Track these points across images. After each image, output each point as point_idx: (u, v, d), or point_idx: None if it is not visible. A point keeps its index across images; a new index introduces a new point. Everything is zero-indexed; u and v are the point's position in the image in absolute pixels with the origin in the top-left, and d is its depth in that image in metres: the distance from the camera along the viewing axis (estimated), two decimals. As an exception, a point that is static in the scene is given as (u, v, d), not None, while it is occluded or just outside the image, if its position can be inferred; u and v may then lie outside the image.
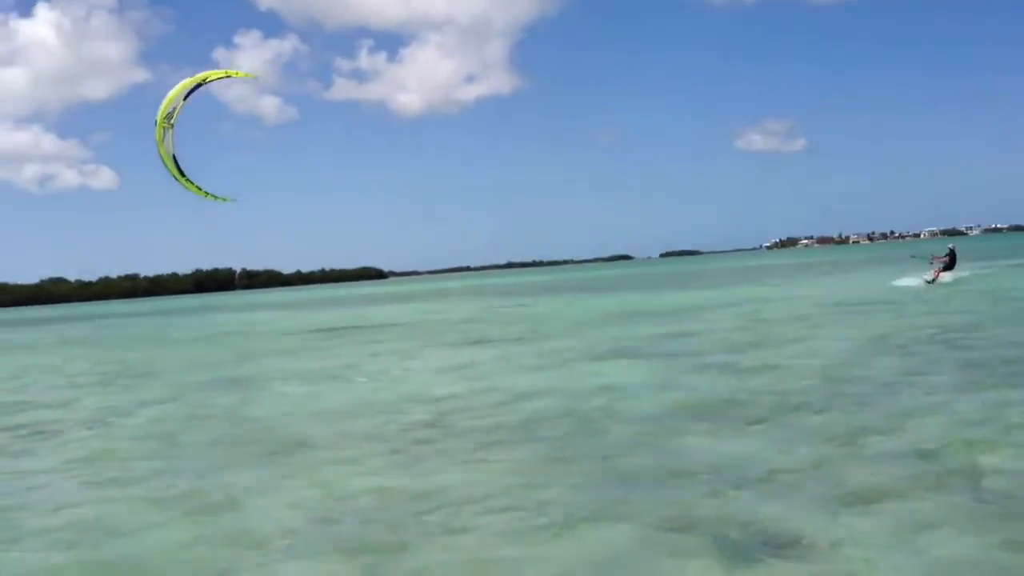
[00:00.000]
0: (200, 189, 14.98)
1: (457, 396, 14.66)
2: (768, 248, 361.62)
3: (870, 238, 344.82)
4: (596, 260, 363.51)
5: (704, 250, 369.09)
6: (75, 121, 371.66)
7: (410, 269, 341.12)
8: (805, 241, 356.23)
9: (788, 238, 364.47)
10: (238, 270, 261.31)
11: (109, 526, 8.24)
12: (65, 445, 12.74)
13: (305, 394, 16.58)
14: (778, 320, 25.12)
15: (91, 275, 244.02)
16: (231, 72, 15.79)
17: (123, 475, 10.37)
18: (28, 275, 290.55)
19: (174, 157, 14.98)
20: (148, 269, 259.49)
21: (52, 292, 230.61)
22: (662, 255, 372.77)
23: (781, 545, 6.46)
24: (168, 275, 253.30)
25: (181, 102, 14.85)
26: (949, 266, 35.56)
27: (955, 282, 34.66)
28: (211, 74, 15.16)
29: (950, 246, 36.73)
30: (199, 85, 14.93)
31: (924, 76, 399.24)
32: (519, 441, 10.81)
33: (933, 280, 34.59)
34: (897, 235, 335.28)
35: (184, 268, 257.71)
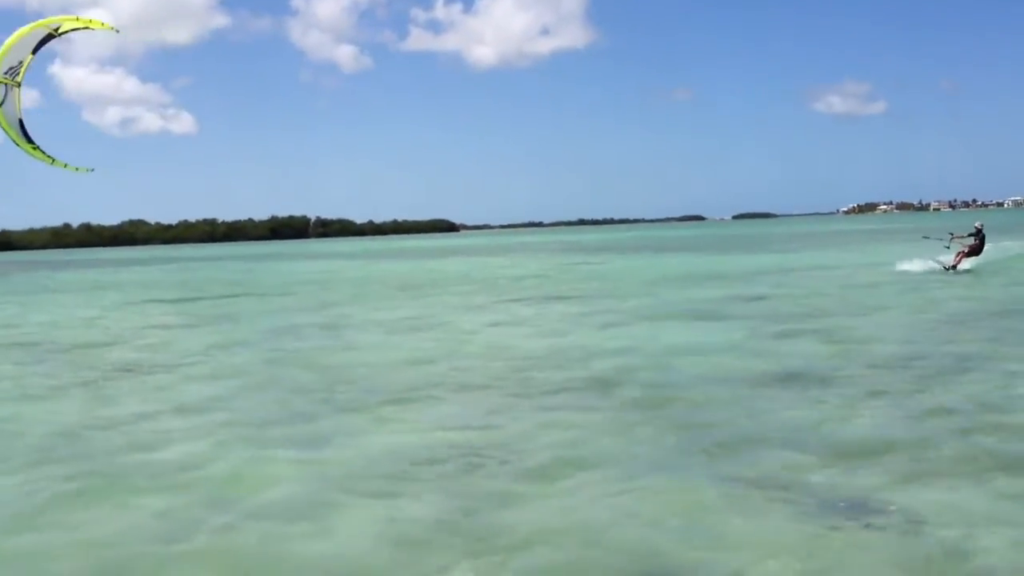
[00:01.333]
0: (52, 158, 13.00)
1: (534, 351, 14.85)
2: (845, 213, 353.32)
3: (951, 205, 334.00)
4: (668, 219, 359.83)
5: (778, 213, 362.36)
6: (156, 65, 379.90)
7: (481, 223, 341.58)
8: (884, 207, 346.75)
9: (866, 203, 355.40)
10: (312, 218, 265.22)
11: (206, 466, 8.59)
12: (155, 386, 13.20)
13: (384, 343, 16.96)
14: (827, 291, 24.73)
15: (171, 218, 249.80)
16: (91, 22, 13.53)
17: (214, 416, 10.78)
18: (111, 216, 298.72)
19: (20, 122, 12.61)
20: (225, 214, 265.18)
21: (133, 234, 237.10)
22: (735, 217, 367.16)
23: (866, 512, 6.52)
24: (245, 220, 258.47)
25: (29, 56, 12.48)
26: (976, 250, 27.90)
27: (979, 269, 27.54)
28: (63, 21, 12.98)
29: (978, 224, 28.48)
30: (51, 36, 12.73)
31: (1011, 40, 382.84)
32: (596, 397, 10.96)
33: (953, 267, 27.42)
34: (980, 203, 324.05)
35: (260, 214, 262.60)
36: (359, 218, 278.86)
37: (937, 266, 27.61)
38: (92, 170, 13.77)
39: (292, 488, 7.73)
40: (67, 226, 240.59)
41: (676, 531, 6.36)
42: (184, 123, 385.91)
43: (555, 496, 7.23)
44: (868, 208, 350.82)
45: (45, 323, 24.26)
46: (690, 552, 5.97)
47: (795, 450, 8.20)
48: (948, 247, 28.25)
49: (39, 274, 65.25)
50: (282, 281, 43.16)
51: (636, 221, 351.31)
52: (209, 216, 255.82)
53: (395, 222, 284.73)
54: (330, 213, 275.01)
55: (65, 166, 13.23)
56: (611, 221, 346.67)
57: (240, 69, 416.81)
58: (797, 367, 12.41)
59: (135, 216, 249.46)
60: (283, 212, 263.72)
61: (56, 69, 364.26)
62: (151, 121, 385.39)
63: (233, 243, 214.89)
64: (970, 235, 28.02)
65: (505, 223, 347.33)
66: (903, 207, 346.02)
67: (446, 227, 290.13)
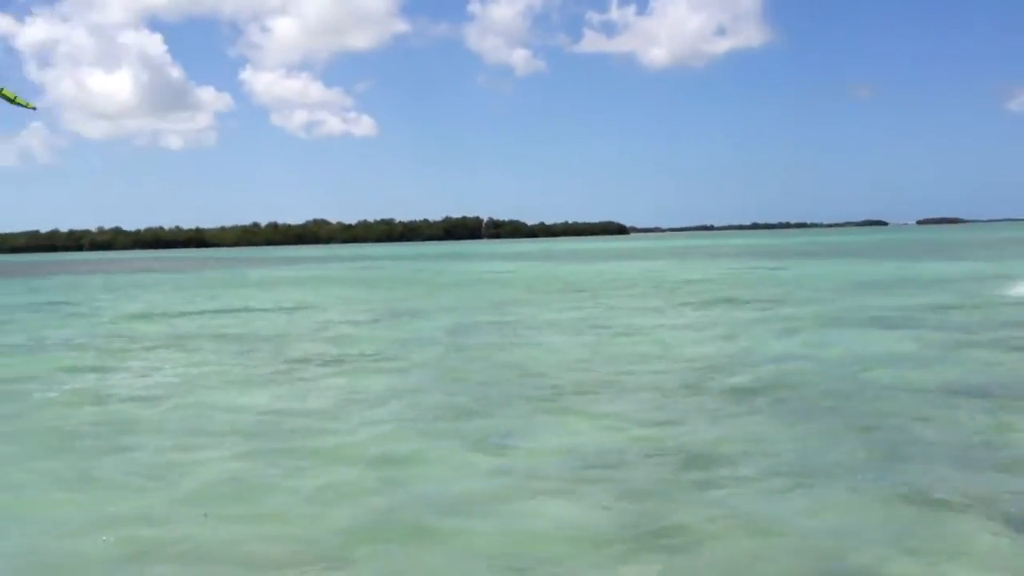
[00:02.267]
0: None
1: (708, 354, 14.86)
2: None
3: None
4: (847, 224, 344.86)
5: (967, 218, 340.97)
6: (340, 70, 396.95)
7: (652, 225, 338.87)
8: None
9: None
10: (485, 219, 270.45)
11: (395, 455, 9.13)
12: (345, 378, 14.04)
13: (560, 343, 17.34)
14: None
15: (351, 218, 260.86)
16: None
17: (400, 409, 11.41)
18: (296, 216, 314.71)
19: None
20: (402, 215, 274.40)
21: (316, 232, 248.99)
22: (919, 222, 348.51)
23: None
24: (420, 221, 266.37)
25: None
26: None
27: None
28: None
29: None
30: None
31: None
32: (774, 403, 10.90)
33: None
34: None
35: (435, 215, 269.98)
36: (530, 220, 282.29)
37: None
38: (35, 108, 16.43)
39: (475, 481, 8.11)
40: (255, 224, 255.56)
41: (854, 536, 6.35)
42: (365, 126, 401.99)
43: (732, 498, 7.32)
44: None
45: (239, 318, 26.10)
46: (867, 558, 5.97)
47: (976, 462, 7.98)
48: None
49: (233, 271, 69.74)
50: (458, 280, 44.49)
51: (813, 225, 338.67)
52: (387, 216, 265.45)
53: (565, 224, 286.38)
54: (502, 214, 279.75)
55: (14, 99, 15.32)
56: (787, 225, 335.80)
57: (418, 73, 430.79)
58: (980, 380, 11.94)
59: (318, 216, 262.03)
60: (457, 213, 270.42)
61: (247, 75, 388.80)
62: (334, 124, 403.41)
63: (409, 243, 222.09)
64: None
65: (676, 226, 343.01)
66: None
67: (616, 229, 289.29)
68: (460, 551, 6.44)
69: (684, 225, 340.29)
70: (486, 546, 6.51)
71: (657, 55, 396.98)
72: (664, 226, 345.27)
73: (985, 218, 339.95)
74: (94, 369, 15.57)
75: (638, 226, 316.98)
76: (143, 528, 7.06)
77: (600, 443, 9.30)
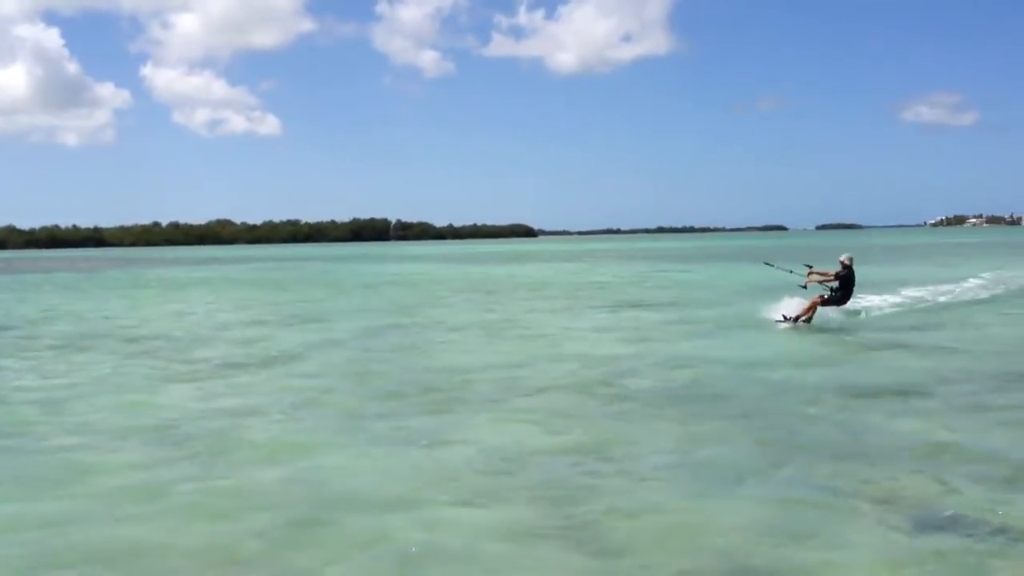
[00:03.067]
0: None
1: (617, 356, 15.03)
2: (932, 225, 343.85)
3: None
4: (749, 229, 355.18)
5: (864, 224, 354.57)
6: (243, 68, 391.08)
7: (560, 229, 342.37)
8: (973, 220, 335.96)
9: (955, 216, 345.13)
10: (393, 221, 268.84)
11: (303, 456, 9.02)
12: (250, 381, 13.72)
13: (469, 345, 17.33)
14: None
15: (256, 218, 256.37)
16: None
17: (309, 411, 11.23)
18: (198, 215, 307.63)
19: None
20: (309, 215, 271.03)
21: (220, 233, 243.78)
22: (818, 227, 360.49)
23: (965, 526, 6.60)
24: (327, 222, 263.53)
25: None
26: (840, 295, 19.22)
27: (845, 327, 18.74)
28: None
29: (844, 258, 19.33)
30: None
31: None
32: (684, 404, 11.09)
33: (797, 319, 18.63)
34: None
35: (342, 216, 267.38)
36: (439, 221, 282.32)
37: (780, 318, 18.89)
38: None
39: (384, 480, 8.04)
40: (156, 224, 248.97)
41: (766, 538, 6.48)
42: (269, 125, 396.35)
43: (636, 496, 7.41)
44: (956, 221, 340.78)
45: (141, 318, 25.29)
46: (780, 560, 6.10)
47: (887, 461, 8.26)
48: (804, 287, 19.46)
49: (132, 271, 67.68)
50: (366, 282, 44.05)
51: (716, 230, 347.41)
52: (293, 217, 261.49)
53: (474, 226, 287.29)
54: (410, 216, 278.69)
55: None
56: (691, 229, 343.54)
57: (325, 73, 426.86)
58: (885, 380, 12.41)
59: (222, 216, 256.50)
60: (364, 214, 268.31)
61: (147, 71, 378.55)
62: (238, 123, 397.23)
63: (315, 244, 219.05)
64: (836, 275, 19.17)
65: (584, 229, 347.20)
66: (993, 220, 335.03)
67: (524, 232, 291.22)
68: (371, 550, 6.37)
69: (592, 228, 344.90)
70: (398, 544, 6.45)
71: (564, 60, 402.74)
72: (572, 229, 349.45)
73: (880, 224, 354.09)
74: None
75: (546, 229, 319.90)
76: (49, 531, 6.81)
77: (509, 443, 9.30)
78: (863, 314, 20.55)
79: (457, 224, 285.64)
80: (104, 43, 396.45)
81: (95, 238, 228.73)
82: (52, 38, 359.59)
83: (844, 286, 19.06)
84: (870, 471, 7.97)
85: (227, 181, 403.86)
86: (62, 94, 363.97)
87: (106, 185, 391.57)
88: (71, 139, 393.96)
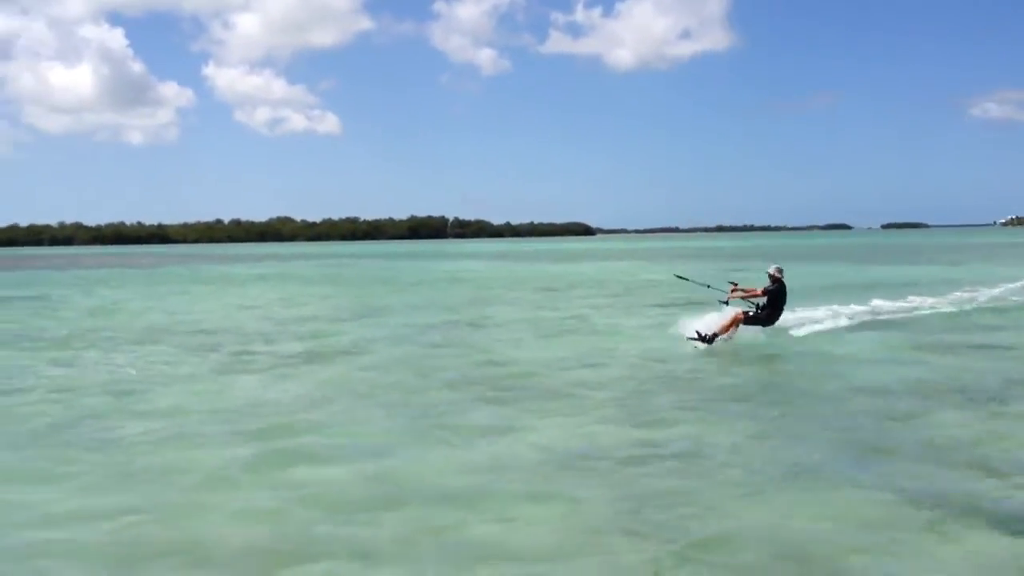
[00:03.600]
0: None
1: (678, 354, 14.98)
2: (1003, 224, 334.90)
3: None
4: (811, 228, 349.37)
5: (930, 223, 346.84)
6: (303, 67, 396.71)
7: (618, 227, 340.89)
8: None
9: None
10: (450, 219, 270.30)
11: (373, 450, 9.17)
12: (315, 374, 13.96)
13: (527, 341, 17.36)
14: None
15: (315, 216, 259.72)
16: None
17: (377, 406, 11.38)
18: (259, 213, 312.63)
19: None
20: (367, 213, 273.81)
21: (280, 230, 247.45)
22: (884, 226, 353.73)
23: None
24: (385, 220, 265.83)
25: None
26: (766, 312, 16.60)
27: (773, 353, 15.45)
28: None
29: (773, 269, 16.91)
30: None
31: None
32: (748, 400, 11.07)
33: (714, 337, 15.62)
34: None
35: (400, 214, 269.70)
36: (496, 219, 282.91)
37: (692, 335, 15.80)
38: None
39: (455, 475, 8.14)
40: (219, 221, 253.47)
41: (836, 537, 6.45)
42: (329, 124, 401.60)
43: (714, 495, 7.39)
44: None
45: (205, 313, 25.87)
46: (854, 557, 6.07)
47: (960, 463, 8.15)
48: (726, 303, 16.71)
49: (195, 267, 69.10)
50: (424, 279, 44.43)
51: (778, 229, 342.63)
52: (351, 215, 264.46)
53: (531, 224, 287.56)
54: (468, 214, 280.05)
55: None
56: (751, 228, 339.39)
57: (382, 72, 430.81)
58: (952, 381, 12.21)
59: (282, 213, 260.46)
60: (422, 212, 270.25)
61: (210, 70, 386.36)
62: (297, 122, 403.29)
63: (373, 241, 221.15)
64: (764, 290, 16.61)
65: (642, 228, 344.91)
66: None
67: (582, 230, 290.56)
68: (440, 541, 6.47)
69: (650, 227, 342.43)
70: (466, 536, 6.55)
71: (622, 57, 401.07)
72: (630, 228, 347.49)
73: (948, 223, 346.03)
74: (66, 364, 15.36)
75: (604, 227, 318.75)
76: (126, 519, 7.02)
77: (573, 437, 9.38)
78: (798, 331, 17.31)
79: (514, 222, 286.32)
80: (167, 43, 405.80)
81: (159, 235, 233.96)
82: (117, 38, 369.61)
83: (773, 302, 16.41)
84: (948, 473, 7.88)
85: (287, 179, 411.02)
86: (127, 93, 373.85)
87: (169, 183, 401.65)
88: (136, 137, 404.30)
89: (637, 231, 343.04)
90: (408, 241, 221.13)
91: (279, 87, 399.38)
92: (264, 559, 6.24)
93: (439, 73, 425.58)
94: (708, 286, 17.86)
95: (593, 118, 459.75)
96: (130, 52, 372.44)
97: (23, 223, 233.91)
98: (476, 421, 10.31)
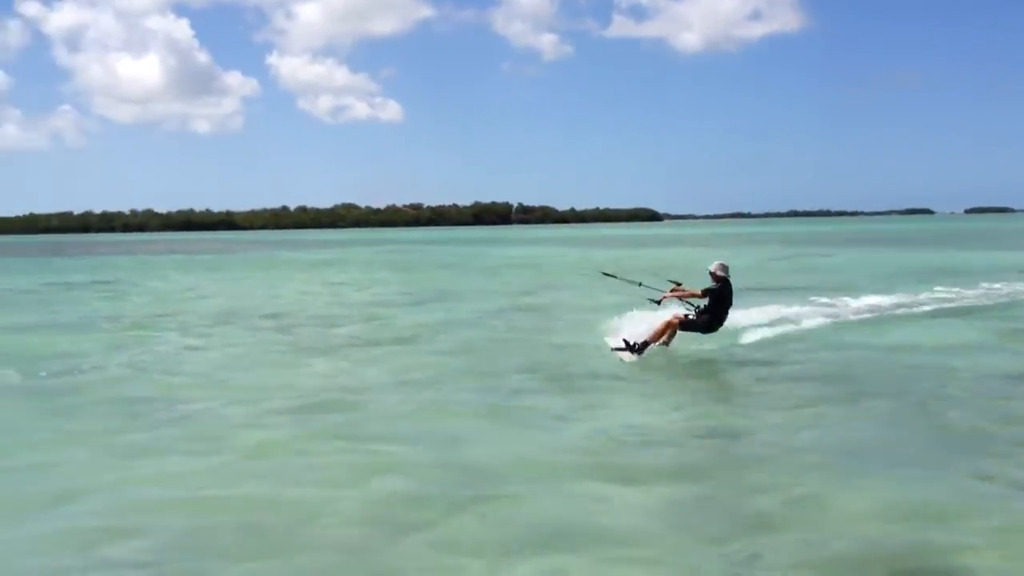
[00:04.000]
0: None
1: (751, 341, 14.99)
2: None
3: None
4: (890, 212, 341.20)
5: (1017, 208, 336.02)
6: (365, 55, 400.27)
7: (686, 213, 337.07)
8: None
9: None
10: (514, 204, 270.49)
11: (441, 430, 9.42)
12: (384, 358, 14.25)
13: (592, 326, 17.43)
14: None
15: (379, 202, 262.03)
16: None
17: (445, 388, 11.66)
18: (323, 200, 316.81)
19: None
20: (430, 199, 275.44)
21: (344, 216, 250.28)
22: (968, 211, 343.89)
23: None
24: (449, 206, 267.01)
25: None
26: (708, 317, 13.83)
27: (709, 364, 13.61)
28: None
29: (715, 267, 13.89)
30: None
31: None
32: (821, 385, 11.09)
33: (644, 347, 13.54)
34: None
35: (464, 200, 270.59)
36: (560, 205, 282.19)
37: (619, 345, 13.70)
38: None
39: (525, 456, 8.32)
40: (284, 208, 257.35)
41: (909, 522, 6.49)
42: (391, 111, 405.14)
43: (785, 478, 7.47)
44: None
45: (275, 296, 26.55)
46: (924, 546, 6.13)
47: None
48: (658, 303, 14.25)
49: (263, 252, 70.46)
50: (488, 264, 44.75)
51: (854, 214, 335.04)
52: (415, 201, 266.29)
53: (597, 210, 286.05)
54: (531, 200, 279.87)
55: None
56: (826, 213, 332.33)
57: (444, 58, 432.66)
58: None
59: (346, 200, 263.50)
60: (486, 198, 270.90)
61: (273, 60, 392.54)
62: (360, 109, 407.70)
63: (437, 228, 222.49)
64: (704, 291, 13.75)
65: (710, 213, 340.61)
66: None
67: (649, 216, 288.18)
68: (510, 522, 6.62)
69: (719, 212, 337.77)
70: (538, 518, 6.69)
71: (689, 40, 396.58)
72: (698, 213, 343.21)
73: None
74: (141, 345, 16.00)
75: (671, 213, 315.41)
76: (206, 494, 7.38)
77: (643, 421, 9.54)
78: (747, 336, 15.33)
79: (579, 208, 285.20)
80: (231, 33, 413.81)
81: (227, 221, 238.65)
82: (182, 29, 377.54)
83: (714, 305, 13.69)
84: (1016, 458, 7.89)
85: (350, 166, 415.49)
86: (193, 83, 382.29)
87: (236, 170, 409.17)
88: (203, 126, 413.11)
89: (706, 216, 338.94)
90: (472, 227, 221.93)
91: (341, 75, 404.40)
92: (332, 535, 6.50)
93: (500, 59, 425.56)
94: (640, 284, 15.19)
95: (659, 102, 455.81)
96: (195, 43, 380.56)
97: (96, 210, 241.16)
98: (545, 403, 10.50)
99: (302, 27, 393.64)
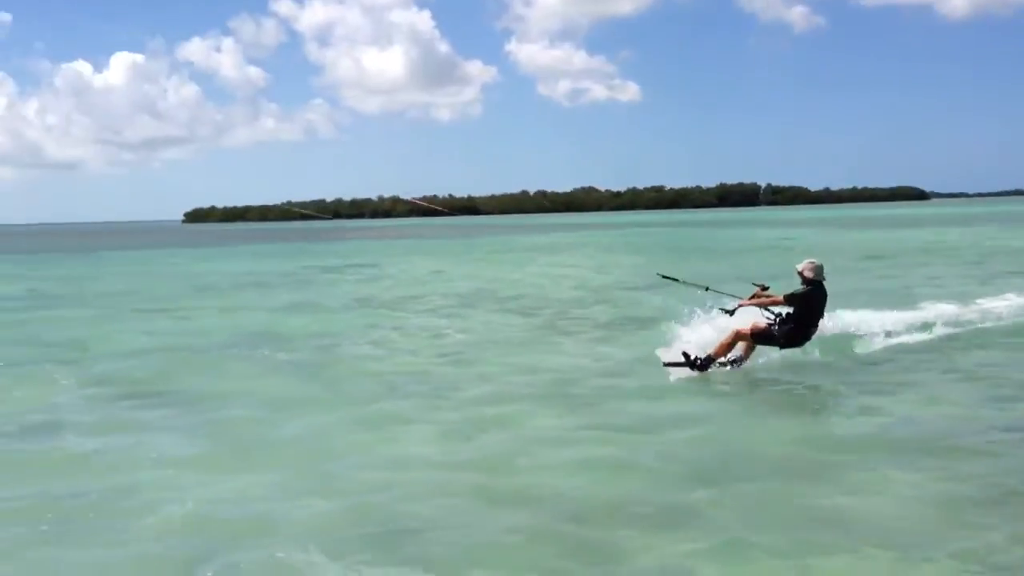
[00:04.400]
0: None
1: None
2: None
3: None
4: None
5: None
6: (602, 38, 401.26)
7: (956, 191, 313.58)
8: None
9: None
10: (762, 185, 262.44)
11: (696, 416, 9.26)
12: (631, 341, 14.14)
13: (869, 313, 16.41)
14: None
15: (619, 185, 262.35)
16: None
17: (700, 375, 11.32)
18: (563, 184, 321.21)
19: None
20: (672, 181, 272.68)
21: (584, 200, 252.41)
22: None
23: None
24: (692, 187, 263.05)
25: None
26: (792, 326, 11.45)
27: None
28: None
29: (803, 266, 11.71)
30: None
31: None
32: None
33: (708, 363, 11.42)
34: None
35: (707, 182, 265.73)
36: (813, 185, 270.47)
37: (676, 359, 11.45)
38: None
39: (799, 449, 7.95)
40: (524, 193, 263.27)
41: None
42: (629, 92, 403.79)
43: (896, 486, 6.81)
44: None
45: (517, 280, 27.22)
46: None
47: None
48: (731, 313, 11.85)
49: (504, 237, 72.31)
50: (737, 248, 43.69)
51: None
52: (656, 183, 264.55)
53: (854, 189, 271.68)
54: (781, 180, 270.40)
55: None
56: None
57: (685, 36, 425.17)
58: None
59: (586, 183, 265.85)
60: (731, 179, 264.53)
61: (512, 46, 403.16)
62: (598, 92, 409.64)
63: (680, 210, 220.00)
64: (788, 297, 11.55)
65: (986, 191, 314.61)
66: None
67: (914, 195, 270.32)
68: (786, 511, 6.27)
69: (998, 189, 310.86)
70: (814, 507, 6.30)
71: (956, 5, 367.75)
72: (971, 191, 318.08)
73: None
74: (392, 324, 16.77)
75: (940, 191, 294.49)
76: (450, 460, 7.74)
77: (940, 414, 8.91)
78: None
79: (834, 187, 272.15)
80: (471, 22, 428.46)
81: (468, 207, 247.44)
82: (424, 21, 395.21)
83: (799, 313, 11.44)
84: None
85: (589, 149, 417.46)
86: (435, 73, 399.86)
87: (476, 157, 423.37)
88: (444, 115, 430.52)
89: (981, 194, 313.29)
90: (717, 209, 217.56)
91: (579, 59, 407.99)
92: (598, 519, 6.38)
93: (745, 35, 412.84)
94: (707, 289, 12.55)
95: (923, 73, 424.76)
96: (437, 33, 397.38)
97: (346, 198, 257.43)
98: (814, 392, 9.97)
99: (540, 12, 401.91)
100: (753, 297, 11.82)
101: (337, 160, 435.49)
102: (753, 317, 11.67)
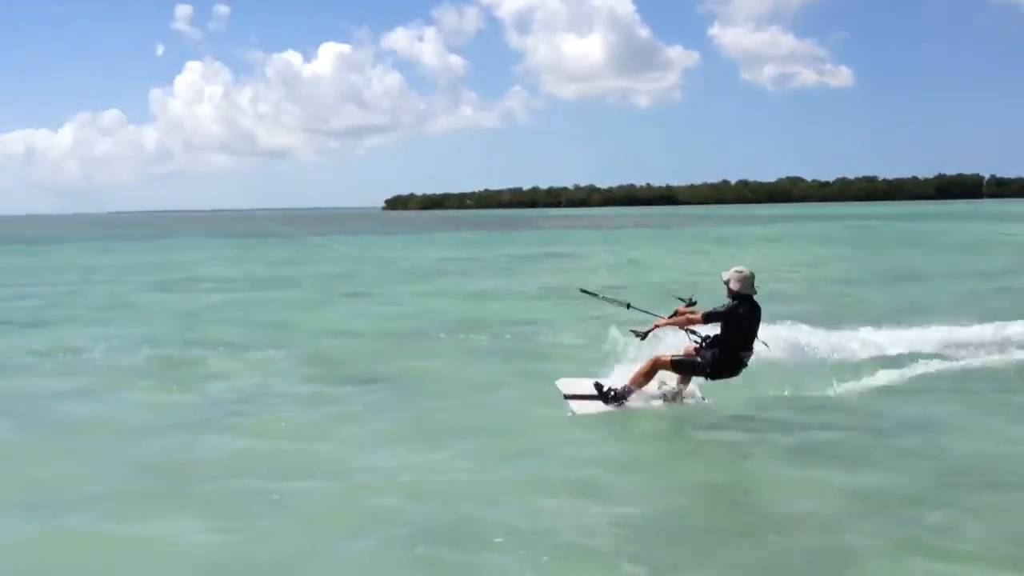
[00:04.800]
0: None
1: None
2: None
3: None
4: None
5: None
6: (812, 20, 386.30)
7: None
8: None
9: None
10: (986, 176, 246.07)
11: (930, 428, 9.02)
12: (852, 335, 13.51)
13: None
14: None
15: (827, 175, 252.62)
16: None
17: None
18: (766, 173, 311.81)
19: None
20: (885, 172, 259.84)
21: (789, 191, 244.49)
22: None
23: None
24: (908, 179, 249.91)
25: None
26: (712, 355, 9.25)
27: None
28: None
29: (730, 275, 9.33)
30: None
31: None
32: None
33: (624, 395, 9.46)
34: None
35: (925, 172, 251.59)
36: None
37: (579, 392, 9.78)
38: None
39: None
40: (725, 182, 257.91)
41: None
42: (841, 77, 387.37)
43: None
44: None
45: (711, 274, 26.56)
46: None
47: None
48: (642, 337, 9.70)
49: (707, 227, 71.31)
50: (959, 242, 41.43)
51: None
52: (868, 174, 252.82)
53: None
54: (1008, 172, 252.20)
55: None
56: None
57: (902, 17, 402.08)
58: None
59: (791, 173, 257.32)
60: (951, 170, 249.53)
61: (715, 31, 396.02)
62: (807, 76, 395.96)
63: (893, 202, 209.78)
64: (706, 315, 9.31)
65: None
66: None
67: None
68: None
69: None
70: None
71: None
72: None
73: None
74: (592, 313, 16.92)
75: None
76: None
77: None
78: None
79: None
80: (672, 7, 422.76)
81: (667, 196, 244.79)
82: (624, 6, 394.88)
83: (729, 333, 9.28)
84: None
85: (796, 137, 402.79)
86: (634, 58, 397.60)
87: (675, 144, 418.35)
88: (643, 101, 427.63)
89: None
90: (934, 202, 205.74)
91: (787, 42, 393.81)
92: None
93: (974, 16, 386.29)
94: (628, 306, 10.61)
95: None
96: (637, 18, 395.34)
97: (543, 186, 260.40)
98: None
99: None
100: (674, 315, 9.67)
101: (534, 147, 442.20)
102: (681, 340, 9.75)
